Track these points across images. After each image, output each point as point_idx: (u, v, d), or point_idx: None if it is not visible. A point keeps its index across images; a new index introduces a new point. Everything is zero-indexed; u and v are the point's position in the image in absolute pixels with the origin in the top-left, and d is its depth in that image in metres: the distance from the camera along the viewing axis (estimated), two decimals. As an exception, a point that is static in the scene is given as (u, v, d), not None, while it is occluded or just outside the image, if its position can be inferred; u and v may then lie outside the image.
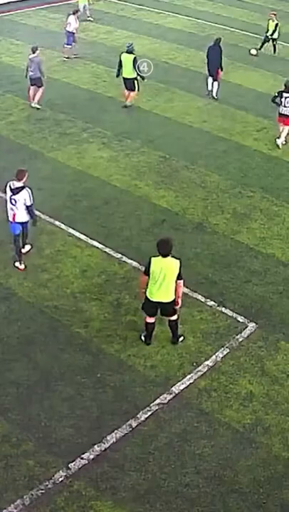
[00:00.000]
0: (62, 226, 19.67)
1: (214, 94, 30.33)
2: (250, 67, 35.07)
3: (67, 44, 34.69)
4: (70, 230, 19.50)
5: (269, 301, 17.07)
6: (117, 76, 28.39)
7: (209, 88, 30.63)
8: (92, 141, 25.40)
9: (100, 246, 18.85)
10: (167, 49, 37.39)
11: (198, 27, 42.55)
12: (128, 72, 27.84)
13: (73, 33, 34.65)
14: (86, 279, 17.55)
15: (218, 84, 30.27)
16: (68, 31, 34.59)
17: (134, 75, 27.85)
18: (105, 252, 18.65)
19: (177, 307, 14.92)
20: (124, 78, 28.15)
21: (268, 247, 19.27)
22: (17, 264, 17.79)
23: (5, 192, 17.35)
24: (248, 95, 30.47)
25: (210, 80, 30.52)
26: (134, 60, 27.57)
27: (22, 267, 17.75)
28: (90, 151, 24.65)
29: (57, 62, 33.85)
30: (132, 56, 27.59)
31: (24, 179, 17.10)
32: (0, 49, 35.74)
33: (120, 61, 27.86)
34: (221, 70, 30.03)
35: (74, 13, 35.14)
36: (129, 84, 28.13)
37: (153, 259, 14.41)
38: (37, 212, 18.84)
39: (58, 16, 42.57)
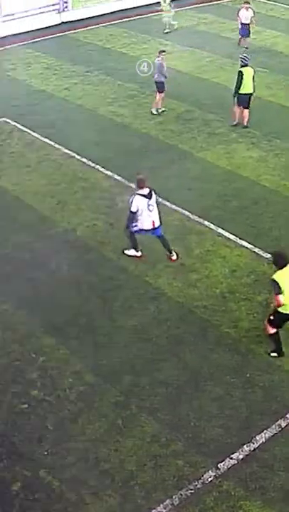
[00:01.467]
0: (212, 226, 19.70)
1: None
2: None
3: (247, 36, 36.25)
4: (220, 230, 19.50)
5: None
6: (236, 93, 26.01)
7: None
8: (241, 141, 25.32)
9: (249, 246, 18.79)
10: (317, 48, 36.84)
11: None
12: (250, 87, 25.76)
13: (248, 25, 35.96)
14: (235, 279, 17.54)
15: None
16: (243, 23, 35.91)
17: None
18: (254, 252, 18.58)
19: None
20: (245, 95, 25.83)
21: None
22: (132, 252, 18.23)
23: (134, 204, 17.34)
24: None
25: None
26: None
27: (139, 254, 18.25)
28: (239, 151, 24.58)
29: (206, 62, 33.91)
30: (252, 70, 25.79)
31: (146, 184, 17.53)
32: (149, 49, 36.05)
33: (242, 76, 25.47)
34: None
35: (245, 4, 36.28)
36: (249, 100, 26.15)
37: (277, 277, 14.05)
38: (186, 213, 19.15)
39: (207, 15, 42.59)
